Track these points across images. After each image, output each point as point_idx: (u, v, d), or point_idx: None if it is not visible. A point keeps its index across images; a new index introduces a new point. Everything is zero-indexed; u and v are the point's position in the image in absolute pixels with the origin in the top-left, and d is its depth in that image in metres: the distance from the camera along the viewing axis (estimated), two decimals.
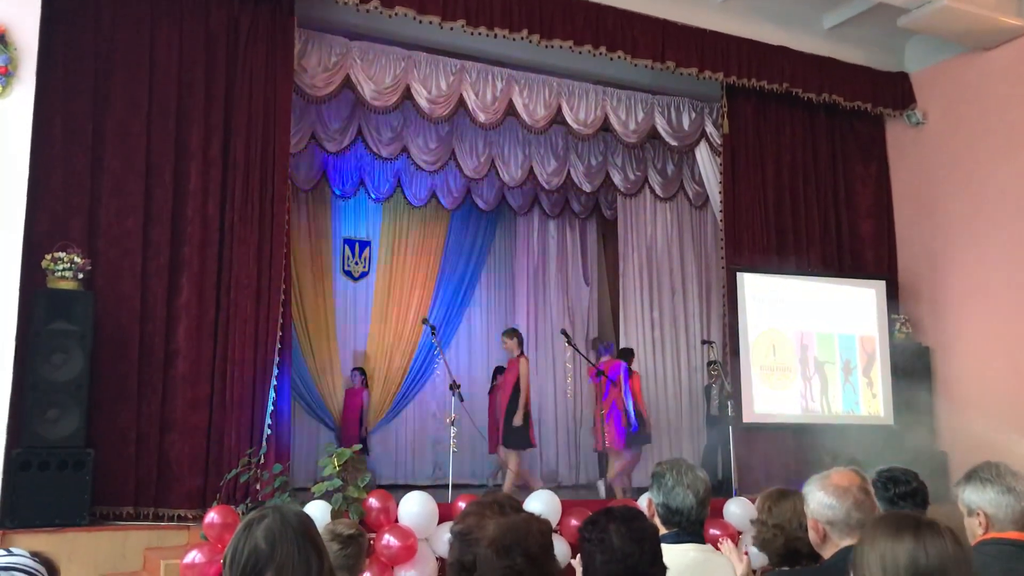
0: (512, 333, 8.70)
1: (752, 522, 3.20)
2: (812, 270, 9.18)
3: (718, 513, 6.82)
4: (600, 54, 8.03)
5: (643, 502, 3.30)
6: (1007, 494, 2.77)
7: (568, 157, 10.17)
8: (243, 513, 5.83)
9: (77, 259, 6.14)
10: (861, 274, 9.41)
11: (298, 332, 9.77)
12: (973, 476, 2.87)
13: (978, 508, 2.81)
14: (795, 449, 8.61)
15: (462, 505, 5.74)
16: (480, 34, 7.57)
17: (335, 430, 10.30)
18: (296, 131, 7.93)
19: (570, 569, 2.88)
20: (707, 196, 9.84)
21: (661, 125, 9.19)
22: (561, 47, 7.88)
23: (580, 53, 7.99)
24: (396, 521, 5.80)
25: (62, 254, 6.10)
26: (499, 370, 9.72)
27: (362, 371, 10.45)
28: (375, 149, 9.18)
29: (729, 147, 9.02)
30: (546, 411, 11.08)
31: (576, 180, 10.27)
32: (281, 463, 6.42)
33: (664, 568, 2.41)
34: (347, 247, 10.83)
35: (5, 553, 2.10)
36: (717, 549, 3.32)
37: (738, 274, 8.74)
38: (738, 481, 8.09)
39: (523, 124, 8.72)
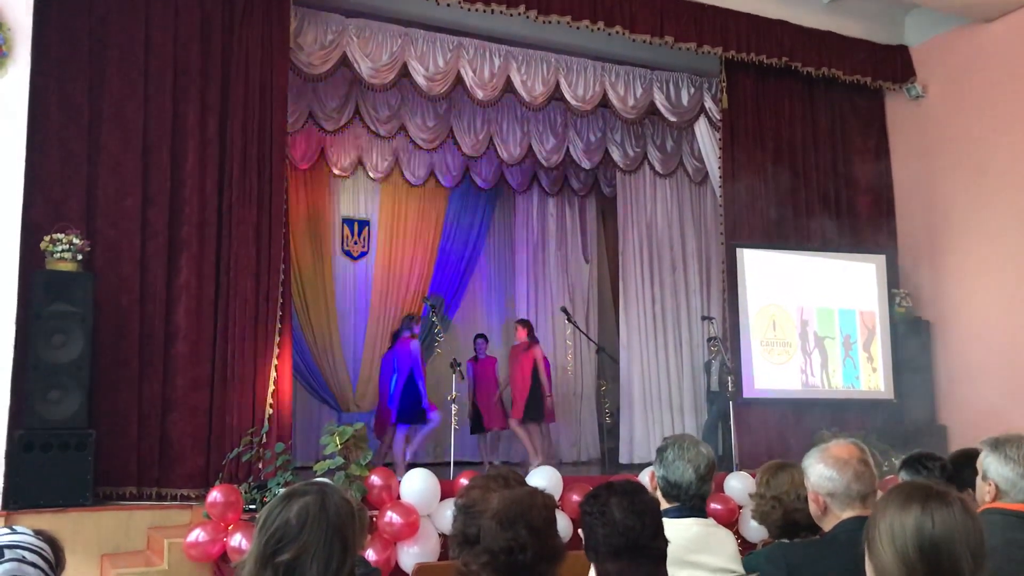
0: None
1: (751, 496, 3.21)
2: (812, 245, 9.18)
3: (719, 487, 6.85)
4: (598, 29, 7.98)
5: (645, 476, 3.31)
6: None
7: (567, 134, 10.13)
8: (245, 492, 5.87)
9: (76, 240, 6.13)
10: (861, 248, 9.39)
11: (298, 312, 9.76)
12: (1000, 447, 2.85)
13: (992, 479, 2.82)
14: (795, 424, 8.64)
15: (464, 482, 5.77)
16: (477, 10, 7.52)
17: (339, 409, 10.27)
18: (293, 110, 7.89)
19: (571, 543, 2.89)
20: (707, 172, 9.82)
21: (660, 101, 9.15)
22: (559, 22, 7.83)
23: (578, 28, 7.94)
24: (398, 498, 5.82)
25: (61, 235, 6.09)
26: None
27: (412, 317, 9.52)
28: (373, 127, 9.14)
29: (728, 122, 8.99)
30: None
31: (575, 157, 10.23)
32: (283, 442, 6.45)
33: (666, 541, 2.42)
34: (346, 226, 10.80)
35: (9, 531, 2.11)
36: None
37: (738, 250, 8.74)
38: (738, 456, 8.13)
39: (521, 101, 8.68)
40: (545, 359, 9.43)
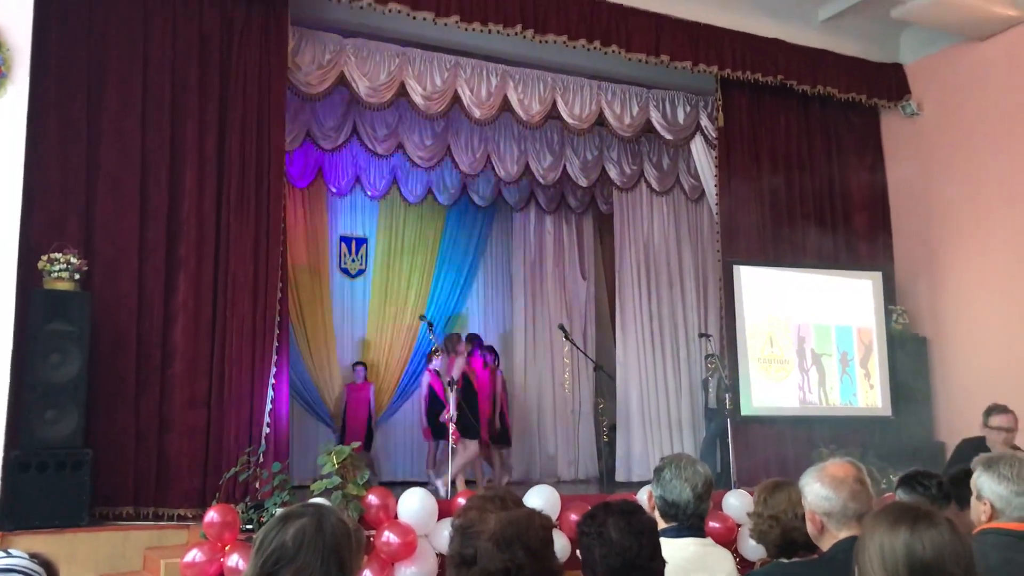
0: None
1: (749, 514, 3.21)
2: (808, 262, 9.19)
3: (717, 506, 6.83)
4: (594, 48, 8.02)
5: (643, 495, 3.31)
6: (1020, 496, 2.76)
7: (564, 152, 10.17)
8: (242, 512, 5.85)
9: (74, 259, 6.13)
10: (858, 265, 9.41)
11: (295, 330, 9.76)
12: (993, 465, 2.85)
13: (987, 498, 2.82)
14: (793, 441, 8.63)
15: (462, 501, 5.76)
16: (474, 30, 7.55)
17: (334, 428, 10.28)
18: (291, 129, 7.92)
19: (569, 564, 2.88)
20: (703, 189, 9.85)
21: (656, 119, 9.19)
22: (555, 42, 7.87)
23: (574, 48, 7.98)
24: (396, 518, 5.81)
25: (58, 255, 6.09)
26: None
27: (364, 365, 10.42)
28: (370, 146, 9.17)
29: (724, 140, 9.02)
30: (544, 406, 11.09)
31: (572, 175, 10.27)
32: (280, 461, 6.43)
33: (663, 562, 2.42)
34: (343, 244, 10.82)
35: (4, 555, 2.11)
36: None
37: (735, 267, 8.74)
38: (736, 474, 8.10)
39: (518, 119, 8.71)
40: (432, 374, 9.04)
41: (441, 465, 8.64)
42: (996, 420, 5.56)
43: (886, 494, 6.22)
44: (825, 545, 2.66)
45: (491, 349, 9.77)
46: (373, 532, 5.62)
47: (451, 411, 8.16)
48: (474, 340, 9.57)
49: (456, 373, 8.50)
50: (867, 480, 2.67)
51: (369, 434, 9.90)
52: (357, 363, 10.38)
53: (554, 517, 6.06)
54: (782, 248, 9.14)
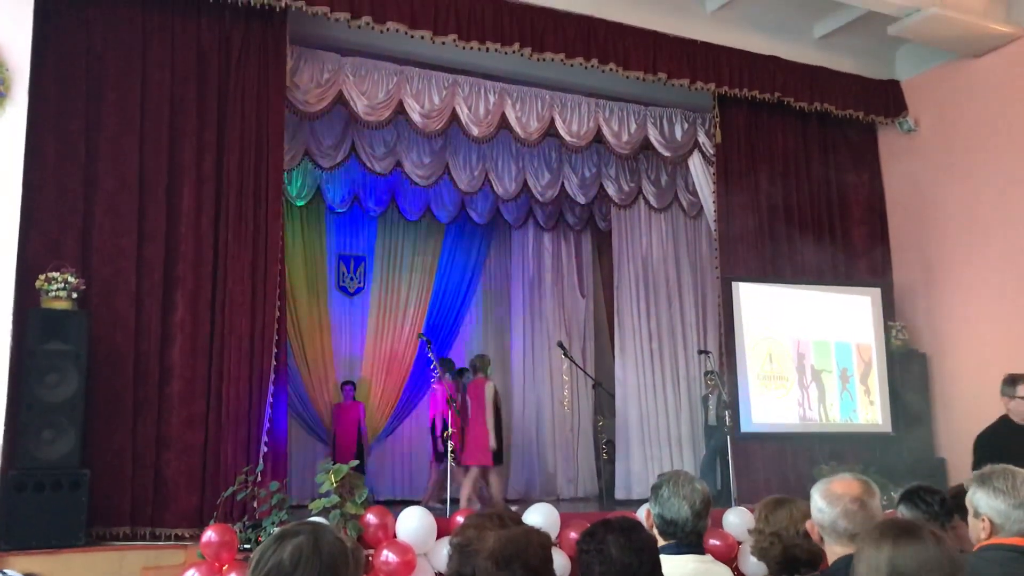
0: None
1: (750, 532, 3.19)
2: (807, 278, 9.19)
3: (717, 523, 6.80)
4: (592, 66, 8.05)
5: (642, 513, 3.30)
6: (1018, 509, 2.74)
7: (562, 169, 10.20)
8: (240, 532, 5.81)
9: (71, 279, 6.12)
10: (856, 281, 9.42)
11: (293, 349, 9.75)
12: (987, 481, 2.83)
13: (985, 514, 2.80)
14: (793, 458, 8.60)
15: (460, 520, 5.72)
16: (472, 48, 7.58)
17: (330, 447, 10.25)
18: (289, 148, 7.93)
19: None
20: (701, 206, 9.86)
21: (654, 136, 9.21)
22: (553, 60, 7.90)
23: (572, 66, 8.01)
24: (394, 537, 5.77)
25: (56, 274, 6.08)
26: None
27: (353, 384, 10.39)
28: (369, 164, 9.19)
29: (722, 157, 9.04)
30: (543, 424, 11.06)
31: (570, 192, 10.29)
32: (278, 480, 6.39)
33: None
34: (342, 263, 10.84)
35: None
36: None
37: (733, 283, 8.73)
38: (737, 491, 8.07)
39: (516, 137, 8.73)
40: (444, 395, 9.06)
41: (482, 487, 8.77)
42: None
43: (887, 511, 6.19)
44: (829, 557, 2.66)
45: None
46: (372, 551, 5.59)
47: (485, 429, 8.26)
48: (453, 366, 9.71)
49: (488, 397, 8.54)
50: (870, 501, 2.64)
51: (360, 454, 9.87)
52: (346, 382, 10.35)
53: (553, 535, 6.02)
54: (781, 264, 9.14)
